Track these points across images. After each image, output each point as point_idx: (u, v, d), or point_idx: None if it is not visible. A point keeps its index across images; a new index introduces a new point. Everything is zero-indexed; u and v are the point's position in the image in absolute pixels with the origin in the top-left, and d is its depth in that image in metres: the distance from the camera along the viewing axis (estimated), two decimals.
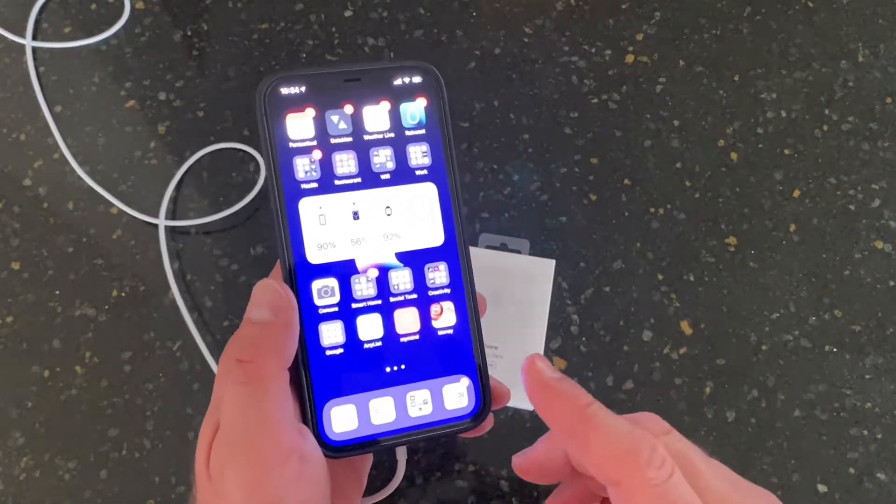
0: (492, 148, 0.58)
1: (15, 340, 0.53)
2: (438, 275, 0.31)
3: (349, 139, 0.31)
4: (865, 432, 0.50)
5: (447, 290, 0.31)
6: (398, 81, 0.31)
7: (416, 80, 0.31)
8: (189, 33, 0.63)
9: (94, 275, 0.54)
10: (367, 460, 0.34)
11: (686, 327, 0.53)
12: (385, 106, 0.31)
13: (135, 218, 0.56)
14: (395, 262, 0.30)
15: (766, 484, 0.49)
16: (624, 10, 0.64)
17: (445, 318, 0.31)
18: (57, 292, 0.54)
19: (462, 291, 0.31)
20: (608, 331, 0.53)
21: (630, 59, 0.62)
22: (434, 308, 0.31)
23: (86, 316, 0.53)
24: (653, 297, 0.54)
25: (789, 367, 0.52)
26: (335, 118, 0.31)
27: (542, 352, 0.50)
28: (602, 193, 0.57)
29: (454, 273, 0.31)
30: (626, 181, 0.57)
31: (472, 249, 0.50)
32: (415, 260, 0.31)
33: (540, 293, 0.51)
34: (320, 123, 0.30)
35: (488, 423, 0.31)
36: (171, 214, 0.56)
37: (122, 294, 0.54)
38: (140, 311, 0.53)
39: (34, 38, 0.62)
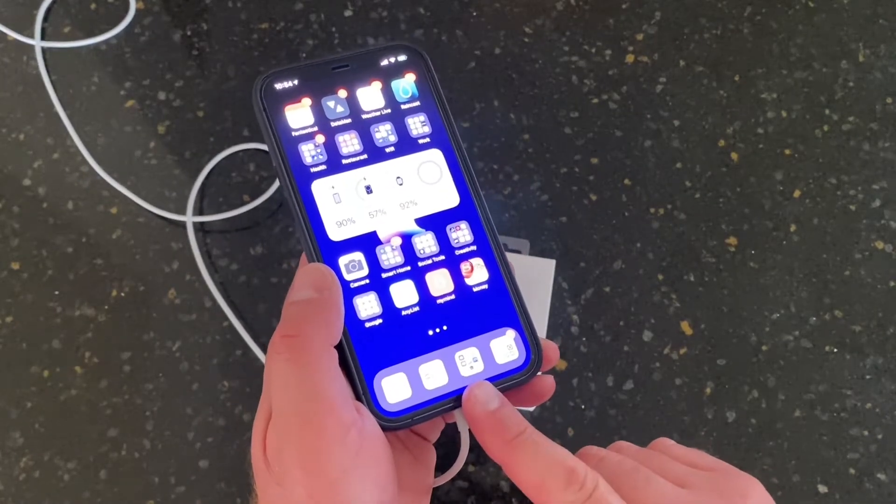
0: (492, 148, 0.58)
1: (15, 340, 0.53)
2: (461, 234, 0.31)
3: (348, 120, 0.32)
4: (866, 433, 0.50)
5: (473, 248, 0.31)
6: (384, 62, 0.33)
7: (402, 58, 0.33)
8: (189, 33, 0.63)
9: (94, 275, 0.54)
10: (432, 452, 0.33)
11: (686, 327, 0.53)
12: (377, 86, 0.32)
13: (135, 219, 0.56)
14: (416, 227, 0.31)
15: (767, 484, 0.49)
16: (624, 10, 0.64)
17: (477, 274, 0.31)
18: (56, 292, 0.54)
19: (488, 246, 0.31)
20: (608, 331, 0.53)
21: (630, 59, 0.62)
22: (464, 266, 0.31)
23: (85, 316, 0.53)
24: (653, 297, 0.54)
25: (789, 368, 0.52)
26: (331, 103, 0.32)
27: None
28: (602, 193, 0.57)
29: (476, 230, 0.32)
30: (626, 181, 0.57)
31: None
32: (435, 223, 0.31)
33: (540, 293, 0.51)
34: (318, 110, 0.31)
35: (549, 385, 0.31)
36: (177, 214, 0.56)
37: (122, 294, 0.54)
38: (140, 311, 0.53)
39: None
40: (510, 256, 0.52)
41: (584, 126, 0.59)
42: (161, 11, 0.63)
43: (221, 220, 0.56)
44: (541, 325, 0.50)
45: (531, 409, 0.50)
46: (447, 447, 0.32)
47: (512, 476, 0.25)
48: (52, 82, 0.60)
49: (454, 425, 0.32)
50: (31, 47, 0.61)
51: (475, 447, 0.31)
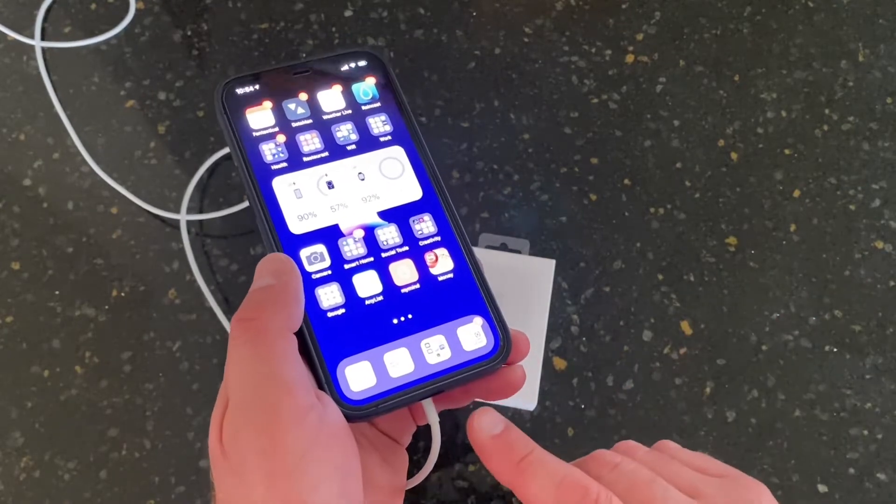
0: (492, 148, 0.58)
1: (15, 340, 0.53)
2: (425, 225, 0.31)
3: (309, 121, 0.32)
4: (865, 432, 0.50)
5: (437, 238, 0.31)
6: (344, 67, 0.33)
7: (361, 63, 0.33)
8: (189, 33, 0.63)
9: (94, 275, 0.54)
10: (404, 455, 0.32)
11: (686, 327, 0.53)
12: (337, 88, 0.33)
13: (135, 219, 0.56)
14: (379, 220, 0.31)
15: (767, 484, 0.49)
16: (624, 10, 0.64)
17: (442, 264, 0.31)
18: (57, 292, 0.54)
19: (453, 237, 0.31)
20: (608, 331, 0.53)
21: (630, 59, 0.62)
22: (429, 256, 0.31)
23: (86, 316, 0.53)
24: (653, 297, 0.54)
25: (789, 367, 0.52)
26: (292, 105, 0.32)
27: (541, 352, 0.50)
28: (602, 193, 0.57)
29: (440, 221, 0.32)
30: (626, 181, 0.57)
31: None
32: (398, 216, 0.32)
33: (540, 293, 0.51)
34: (279, 112, 0.32)
35: (520, 375, 0.30)
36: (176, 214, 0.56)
37: (122, 294, 0.54)
38: (140, 311, 0.53)
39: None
40: (510, 256, 0.52)
41: (584, 126, 0.59)
42: (161, 11, 0.64)
43: (221, 221, 0.56)
44: (541, 325, 0.50)
45: (532, 408, 0.50)
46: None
47: (524, 499, 0.25)
48: (52, 82, 0.60)
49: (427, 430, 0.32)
50: (31, 47, 0.62)
51: (453, 445, 0.31)
